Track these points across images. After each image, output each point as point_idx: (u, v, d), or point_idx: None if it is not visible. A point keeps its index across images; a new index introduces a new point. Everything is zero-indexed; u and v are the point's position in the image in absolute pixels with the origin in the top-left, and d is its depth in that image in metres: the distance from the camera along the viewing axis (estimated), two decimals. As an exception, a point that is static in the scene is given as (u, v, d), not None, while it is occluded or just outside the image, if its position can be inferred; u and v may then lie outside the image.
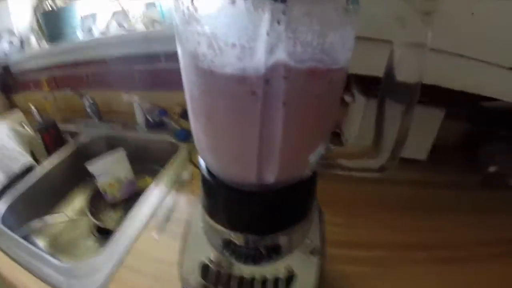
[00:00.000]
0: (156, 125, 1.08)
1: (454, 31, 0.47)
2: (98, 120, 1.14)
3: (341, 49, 0.27)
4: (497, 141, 0.88)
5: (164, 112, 1.07)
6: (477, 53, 0.49)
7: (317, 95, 0.29)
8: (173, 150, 1.00)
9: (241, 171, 0.35)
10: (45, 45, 1.23)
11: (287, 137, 0.30)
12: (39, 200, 0.89)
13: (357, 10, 0.24)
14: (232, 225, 0.42)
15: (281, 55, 0.24)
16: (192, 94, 0.31)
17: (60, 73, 1.26)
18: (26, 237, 0.76)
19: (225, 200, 0.40)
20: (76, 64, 1.21)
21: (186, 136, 1.01)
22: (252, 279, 0.44)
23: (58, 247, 0.84)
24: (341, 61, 0.28)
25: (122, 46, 1.10)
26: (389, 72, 0.25)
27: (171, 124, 1.04)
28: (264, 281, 0.44)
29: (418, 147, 0.89)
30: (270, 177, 0.34)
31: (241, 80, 0.25)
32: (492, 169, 0.82)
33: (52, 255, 0.69)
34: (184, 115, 1.05)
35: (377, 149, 0.31)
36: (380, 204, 0.65)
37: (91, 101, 1.11)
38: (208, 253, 0.46)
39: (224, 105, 0.28)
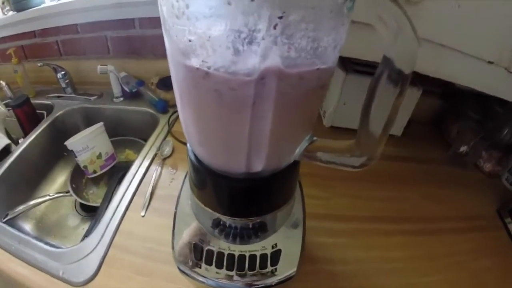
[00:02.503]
0: (133, 96, 1.04)
1: (439, 21, 0.47)
2: (72, 92, 1.08)
3: (333, 51, 0.27)
4: (468, 121, 0.92)
5: (141, 82, 1.03)
6: (459, 44, 0.50)
7: (306, 92, 0.29)
8: (152, 121, 0.98)
9: (230, 162, 0.35)
10: (10, 13, 1.12)
11: (276, 131, 0.30)
12: (19, 182, 0.86)
13: (351, 10, 0.24)
14: (221, 209, 0.43)
15: (274, 59, 0.23)
16: (181, 88, 0.30)
17: (29, 43, 1.16)
18: (12, 223, 0.74)
19: (214, 187, 0.40)
20: (45, 33, 1.11)
21: (164, 107, 0.98)
22: (243, 257, 0.46)
23: (45, 229, 0.84)
24: (332, 62, 0.28)
25: (92, 11, 1.02)
26: (386, 59, 0.25)
27: (148, 94, 1.01)
28: (252, 258, 0.46)
29: (394, 124, 0.92)
30: (258, 167, 0.35)
31: (234, 82, 0.25)
32: (462, 148, 0.86)
33: (40, 239, 0.69)
34: (161, 85, 1.02)
35: (360, 143, 0.31)
36: (355, 177, 0.68)
37: (64, 72, 1.05)
38: (198, 233, 0.48)
39: (214, 103, 0.28)
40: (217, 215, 0.43)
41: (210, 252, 0.46)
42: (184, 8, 0.23)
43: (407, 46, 0.24)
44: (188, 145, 0.41)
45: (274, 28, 0.22)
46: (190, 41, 0.25)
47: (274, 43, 0.23)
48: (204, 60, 0.24)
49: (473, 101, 0.94)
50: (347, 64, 0.85)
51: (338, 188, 0.76)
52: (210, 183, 0.40)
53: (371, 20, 0.24)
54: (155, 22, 0.86)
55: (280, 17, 0.21)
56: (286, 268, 0.46)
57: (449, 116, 1.02)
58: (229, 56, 0.24)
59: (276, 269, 0.46)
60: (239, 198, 0.41)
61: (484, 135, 0.86)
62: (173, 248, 0.48)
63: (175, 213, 0.50)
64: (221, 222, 0.45)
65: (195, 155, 0.39)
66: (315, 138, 0.38)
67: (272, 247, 0.47)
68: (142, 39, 1.05)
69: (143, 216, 0.66)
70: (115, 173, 0.91)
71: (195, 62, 0.25)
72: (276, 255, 0.47)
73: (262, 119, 0.29)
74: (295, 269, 0.46)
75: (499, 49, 0.53)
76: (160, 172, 0.76)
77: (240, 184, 0.38)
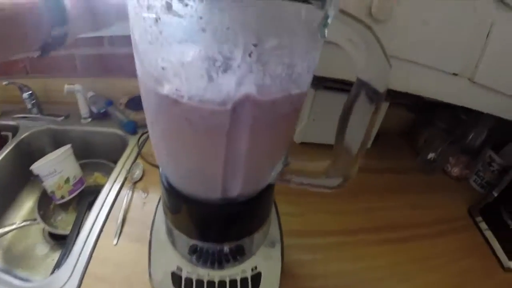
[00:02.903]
0: (101, 116, 1.00)
1: (405, 38, 0.48)
2: (39, 113, 1.02)
3: (307, 75, 0.26)
4: (435, 130, 0.96)
5: (109, 102, 0.99)
6: (425, 59, 0.52)
7: (281, 117, 0.28)
8: (122, 143, 0.94)
9: (206, 189, 0.34)
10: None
11: (251, 157, 0.30)
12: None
13: (324, 37, 0.24)
14: (197, 235, 0.41)
15: (249, 87, 0.23)
16: (153, 114, 0.29)
17: (-8, 60, 1.09)
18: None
19: (190, 213, 0.39)
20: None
21: (134, 128, 0.95)
22: (223, 283, 0.44)
23: (12, 260, 0.76)
24: (306, 86, 0.28)
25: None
26: (360, 81, 0.25)
27: (117, 115, 0.97)
28: (233, 283, 0.45)
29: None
30: (234, 192, 0.34)
31: (207, 110, 0.24)
32: (430, 155, 0.90)
33: (8, 271, 0.64)
34: (131, 104, 0.99)
35: (336, 163, 0.31)
36: (329, 192, 0.69)
37: (30, 92, 0.99)
38: (175, 260, 0.46)
39: (187, 131, 0.26)
40: (194, 241, 0.42)
41: (188, 281, 0.44)
42: (158, 34, 0.22)
43: (379, 67, 0.24)
44: (160, 169, 0.39)
45: (249, 56, 0.21)
46: (163, 68, 0.24)
47: (250, 71, 0.22)
48: (177, 88, 0.23)
49: (439, 110, 0.98)
50: (316, 80, 0.86)
51: (313, 204, 0.76)
52: (185, 209, 0.38)
53: (341, 42, 0.24)
54: (125, 40, 0.83)
55: (255, 45, 0.21)
56: (268, 290, 0.44)
57: (417, 126, 1.06)
58: (203, 85, 0.23)
59: (257, 292, 0.44)
60: (216, 224, 0.39)
61: (451, 142, 0.90)
62: (150, 276, 0.46)
63: (150, 240, 0.48)
64: (198, 248, 0.43)
65: (168, 181, 0.38)
66: (289, 160, 0.37)
67: (252, 270, 0.46)
68: (111, 57, 1.02)
69: (116, 244, 0.62)
70: (84, 198, 0.87)
71: (168, 90, 0.24)
72: (256, 278, 0.46)
73: (237, 146, 0.28)
74: (276, 290, 0.45)
75: (463, 61, 0.56)
76: (131, 197, 0.73)
77: (216, 210, 0.37)
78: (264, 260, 0.48)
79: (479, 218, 0.79)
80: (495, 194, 0.77)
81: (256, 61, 0.22)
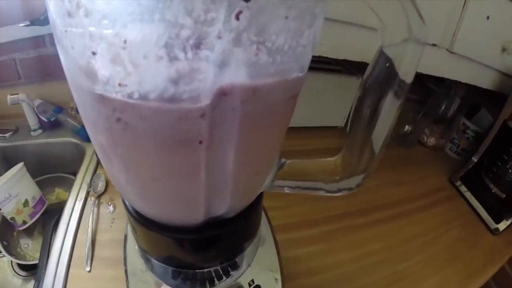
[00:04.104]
0: (53, 126, 0.86)
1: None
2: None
3: (310, 51, 0.18)
4: (408, 102, 0.93)
5: (59, 109, 0.84)
6: None
7: (277, 109, 0.20)
8: (78, 152, 0.82)
9: (184, 214, 0.25)
10: None
11: (240, 167, 0.21)
12: None
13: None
14: (179, 264, 0.32)
15: (238, 70, 0.14)
16: (94, 127, 0.19)
17: None
18: None
19: (166, 243, 0.29)
20: None
21: (88, 134, 0.82)
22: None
23: None
24: (306, 66, 0.19)
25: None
26: (389, 68, 0.18)
27: (69, 122, 0.84)
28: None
29: (336, 115, 0.89)
30: (221, 210, 0.25)
31: (173, 113, 0.15)
32: (406, 128, 0.86)
33: None
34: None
35: (359, 156, 0.23)
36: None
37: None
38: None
39: (149, 148, 0.17)
40: (176, 268, 0.33)
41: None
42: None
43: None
44: (123, 198, 0.29)
45: (237, 18, 0.12)
46: (94, 53, 0.14)
47: (237, 44, 0.13)
48: (121, 82, 0.14)
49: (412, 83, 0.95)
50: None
51: (294, 194, 0.69)
52: (159, 238, 0.29)
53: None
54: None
55: (247, 0, 0.12)
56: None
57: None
58: (162, 73, 0.13)
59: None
60: (201, 249, 0.30)
61: (424, 113, 0.87)
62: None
63: (126, 270, 0.38)
64: (182, 273, 0.34)
65: (133, 207, 0.28)
66: (284, 160, 0.29)
67: (250, 285, 0.38)
68: (55, 58, 0.86)
69: (89, 271, 0.51)
70: (49, 219, 0.74)
71: (106, 88, 0.14)
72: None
73: (221, 155, 0.19)
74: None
75: (441, 31, 0.55)
76: (98, 213, 0.61)
77: (199, 234, 0.27)
78: (261, 271, 0.40)
79: (461, 187, 0.76)
80: (475, 160, 0.75)
81: (247, 27, 0.13)
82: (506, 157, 0.68)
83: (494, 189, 0.70)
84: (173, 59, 0.13)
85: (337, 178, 0.24)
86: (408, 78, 0.19)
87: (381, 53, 0.19)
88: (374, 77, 0.21)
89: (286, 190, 0.28)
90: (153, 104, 0.14)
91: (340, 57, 0.49)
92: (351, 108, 0.23)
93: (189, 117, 0.15)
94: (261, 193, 0.32)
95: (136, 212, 0.27)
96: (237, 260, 0.36)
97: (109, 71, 0.14)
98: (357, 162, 0.23)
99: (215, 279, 0.36)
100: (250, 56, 0.14)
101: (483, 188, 0.72)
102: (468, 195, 0.74)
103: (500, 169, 0.70)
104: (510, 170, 0.68)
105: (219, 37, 0.13)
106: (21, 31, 0.82)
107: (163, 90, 0.14)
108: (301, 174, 0.28)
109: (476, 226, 0.70)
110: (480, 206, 0.71)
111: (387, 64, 0.19)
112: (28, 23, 0.80)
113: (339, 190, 0.25)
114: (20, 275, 0.71)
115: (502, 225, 0.67)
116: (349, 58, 0.50)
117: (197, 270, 0.34)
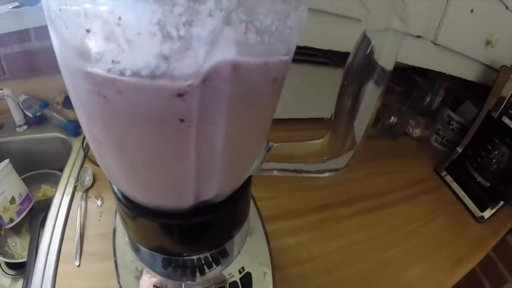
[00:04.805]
0: (38, 121, 0.85)
1: None
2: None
3: (296, 34, 0.19)
4: (393, 94, 0.95)
5: (44, 104, 0.83)
6: None
7: (262, 94, 0.21)
8: (65, 147, 0.81)
9: (174, 198, 0.26)
10: None
11: (229, 149, 0.22)
12: None
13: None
14: (168, 251, 0.33)
15: (228, 48, 0.15)
16: (86, 109, 0.20)
17: None
18: None
19: (154, 228, 0.30)
20: None
21: (75, 129, 0.81)
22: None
23: None
24: (293, 50, 0.20)
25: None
26: (369, 56, 0.19)
27: (55, 117, 0.83)
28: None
29: (322, 106, 0.90)
30: (210, 194, 0.26)
31: (165, 89, 0.15)
32: (392, 119, 0.88)
33: None
34: (68, 103, 0.84)
35: (343, 141, 0.25)
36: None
37: None
38: (150, 279, 0.37)
39: (140, 127, 0.18)
40: (166, 256, 0.33)
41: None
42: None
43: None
44: (111, 184, 0.30)
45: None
46: (88, 31, 0.14)
47: (227, 22, 0.14)
48: (114, 59, 0.15)
49: (395, 75, 0.97)
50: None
51: (282, 183, 0.70)
52: (148, 225, 0.29)
53: None
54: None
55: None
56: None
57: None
58: (155, 50, 0.14)
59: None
60: (190, 235, 0.31)
61: (409, 104, 0.89)
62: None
63: (116, 261, 0.39)
64: (172, 262, 0.35)
65: (122, 193, 0.29)
66: (272, 143, 0.30)
67: (240, 272, 0.39)
68: (40, 53, 0.85)
69: (78, 266, 0.51)
70: (36, 216, 0.74)
71: (100, 66, 0.15)
72: (247, 280, 0.39)
73: (210, 135, 0.20)
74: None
75: (426, 23, 0.56)
76: (85, 208, 0.61)
77: (189, 220, 0.28)
78: (252, 258, 0.41)
79: (447, 176, 0.79)
80: (460, 150, 0.77)
81: (237, 6, 0.13)
82: (490, 147, 0.71)
83: (479, 178, 0.73)
84: (166, 35, 0.14)
85: (325, 158, 0.25)
86: (389, 65, 0.20)
87: (364, 38, 0.20)
88: (356, 64, 0.22)
89: (275, 173, 0.29)
90: (144, 82, 0.15)
91: (326, 48, 0.50)
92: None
93: (179, 89, 0.16)
94: (250, 178, 0.33)
95: (126, 198, 0.28)
96: (226, 248, 0.37)
97: (102, 48, 0.14)
98: (341, 146, 0.24)
99: (205, 267, 0.37)
100: (239, 35, 0.15)
101: (468, 178, 0.75)
102: (453, 185, 0.77)
103: (484, 158, 0.72)
104: (494, 160, 0.70)
105: (210, 15, 0.13)
106: (5, 24, 0.80)
107: (155, 65, 0.14)
108: (288, 156, 0.29)
109: (461, 215, 0.72)
110: (465, 195, 0.74)
111: (368, 52, 0.20)
112: (17, 4, 0.78)
113: (325, 171, 0.26)
114: (8, 274, 0.70)
115: (487, 213, 0.69)
116: (334, 49, 0.50)
117: (186, 257, 0.35)
